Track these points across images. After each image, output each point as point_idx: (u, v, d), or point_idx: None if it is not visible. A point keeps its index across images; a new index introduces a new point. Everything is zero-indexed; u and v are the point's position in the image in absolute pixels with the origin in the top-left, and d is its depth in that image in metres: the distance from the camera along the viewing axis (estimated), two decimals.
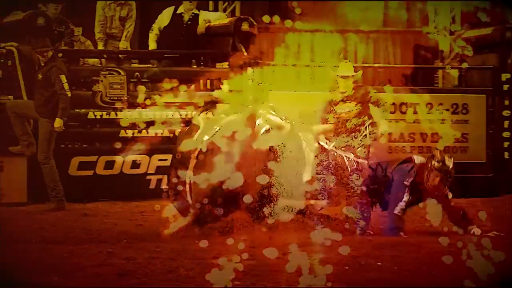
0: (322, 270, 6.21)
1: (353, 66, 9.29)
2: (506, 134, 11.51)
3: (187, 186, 8.04)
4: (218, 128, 8.24)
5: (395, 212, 8.09)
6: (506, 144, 11.51)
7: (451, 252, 6.70)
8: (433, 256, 6.85)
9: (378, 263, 6.68)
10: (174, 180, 8.15)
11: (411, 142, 11.27)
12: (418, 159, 8.24)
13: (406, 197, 8.09)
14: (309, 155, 8.02)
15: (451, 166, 8.06)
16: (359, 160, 8.44)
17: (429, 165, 8.06)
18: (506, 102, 11.55)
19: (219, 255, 6.49)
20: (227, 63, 11.15)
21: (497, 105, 11.56)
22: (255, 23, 11.11)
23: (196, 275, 6.30)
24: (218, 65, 11.38)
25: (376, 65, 11.74)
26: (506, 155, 11.45)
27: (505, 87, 11.56)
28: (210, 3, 12.37)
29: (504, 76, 11.58)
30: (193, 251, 7.04)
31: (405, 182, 8.11)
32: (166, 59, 11.27)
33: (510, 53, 11.65)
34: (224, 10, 12.31)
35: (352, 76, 9.13)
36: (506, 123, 11.54)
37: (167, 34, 11.42)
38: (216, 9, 12.33)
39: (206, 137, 8.17)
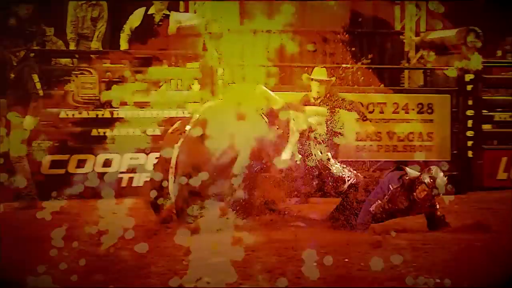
0: (291, 267, 6.25)
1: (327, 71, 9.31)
2: (469, 133, 11.62)
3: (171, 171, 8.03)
4: (198, 115, 8.27)
5: (370, 209, 8.12)
6: (469, 143, 11.62)
7: (415, 249, 6.77)
8: (398, 253, 6.90)
9: (346, 260, 6.72)
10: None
11: (377, 141, 11.34)
12: (411, 171, 8.26)
13: (386, 199, 8.12)
14: (293, 135, 7.95)
15: (441, 185, 8.11)
16: (356, 173, 8.45)
17: (421, 178, 8.11)
18: (470, 102, 11.66)
19: (189, 252, 6.50)
20: (198, 63, 11.17)
21: (461, 105, 11.66)
22: (225, 24, 11.11)
23: (166, 272, 6.30)
24: (188, 65, 11.38)
25: (344, 65, 11.78)
26: (470, 153, 11.56)
27: (469, 87, 11.67)
28: (181, 4, 12.35)
29: (468, 77, 11.68)
30: (164, 248, 7.04)
31: (390, 186, 8.15)
32: (137, 59, 11.26)
33: (474, 54, 11.76)
34: (195, 11, 12.29)
35: (326, 81, 9.13)
36: (469, 123, 11.65)
37: (139, 34, 11.41)
38: (186, 10, 12.31)
39: (188, 127, 8.19)
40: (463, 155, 11.48)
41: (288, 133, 7.93)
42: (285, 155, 7.83)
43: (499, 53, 12.96)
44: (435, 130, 11.53)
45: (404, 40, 12.67)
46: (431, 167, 8.24)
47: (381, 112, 11.35)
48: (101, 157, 10.64)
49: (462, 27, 11.87)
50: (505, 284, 6.21)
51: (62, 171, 10.53)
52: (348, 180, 8.31)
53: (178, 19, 11.54)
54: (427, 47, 12.47)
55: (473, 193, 10.95)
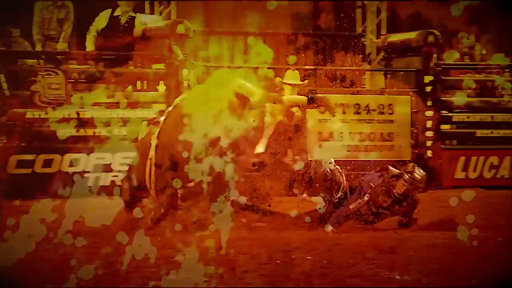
0: (255, 264, 6.28)
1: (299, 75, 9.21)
2: (429, 134, 11.75)
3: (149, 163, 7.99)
4: (171, 108, 8.25)
5: (350, 206, 8.18)
6: (429, 143, 11.75)
7: (376, 246, 6.83)
8: (360, 250, 6.96)
9: (309, 257, 6.76)
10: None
11: (339, 141, 11.40)
12: (392, 169, 8.35)
13: (366, 197, 8.19)
14: (268, 128, 7.87)
15: (419, 179, 8.20)
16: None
17: (400, 174, 8.20)
18: (429, 103, 11.78)
19: (157, 250, 6.49)
20: (163, 64, 11.15)
21: (421, 106, 11.79)
22: (190, 26, 11.12)
23: (133, 269, 6.29)
24: (154, 66, 11.37)
25: (306, 67, 11.82)
26: (429, 153, 11.68)
27: (428, 88, 11.80)
28: (147, 6, 12.32)
29: (427, 78, 11.81)
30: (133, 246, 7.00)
31: (371, 184, 8.22)
32: (103, 60, 11.23)
33: (433, 56, 11.89)
34: (160, 13, 12.27)
35: (299, 84, 9.01)
36: (429, 123, 11.77)
37: (105, 35, 11.38)
38: (152, 12, 12.29)
39: (162, 118, 8.17)
40: (422, 155, 11.59)
41: (264, 126, 7.82)
42: (259, 148, 7.72)
43: (457, 55, 13.11)
44: (396, 130, 11.62)
45: (365, 43, 12.76)
46: (409, 164, 8.37)
47: (344, 113, 11.42)
48: (68, 157, 10.59)
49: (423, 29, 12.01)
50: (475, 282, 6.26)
51: (28, 170, 10.47)
52: (345, 183, 8.36)
53: (144, 21, 11.52)
54: (388, 49, 12.57)
55: (432, 192, 11.04)
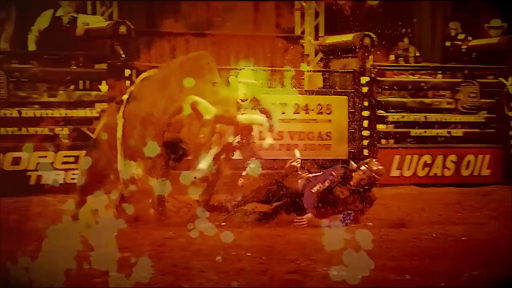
0: (195, 261, 6.27)
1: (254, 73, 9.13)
2: (365, 133, 11.88)
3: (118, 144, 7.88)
4: (133, 87, 8.17)
5: (312, 190, 8.22)
6: (365, 142, 11.88)
7: (315, 242, 6.87)
8: (299, 246, 7.00)
9: (248, 254, 6.77)
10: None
11: (279, 140, 11.44)
12: (353, 164, 8.44)
13: (327, 183, 8.25)
14: (214, 148, 7.65)
15: (375, 170, 8.29)
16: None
17: (358, 167, 8.30)
18: (366, 103, 11.92)
19: (93, 248, 6.43)
20: (105, 64, 11.08)
21: (358, 106, 11.91)
22: (132, 27, 11.08)
23: (74, 268, 6.21)
24: (96, 66, 11.29)
25: (248, 67, 11.83)
26: (366, 152, 11.81)
27: (365, 89, 11.94)
28: (89, 6, 12.20)
29: (364, 80, 11.95)
30: (75, 244, 6.93)
31: (333, 173, 8.30)
32: (45, 60, 11.11)
33: (369, 58, 12.02)
34: (102, 14, 12.17)
35: (254, 83, 8.89)
36: (365, 123, 11.91)
37: (47, 35, 11.26)
38: (94, 13, 12.18)
39: (125, 96, 8.09)
40: (359, 154, 11.71)
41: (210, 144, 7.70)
42: (202, 165, 7.59)
43: (392, 57, 13.29)
44: (333, 130, 11.73)
45: (304, 44, 12.82)
46: (367, 159, 8.58)
47: (283, 113, 11.46)
48: (10, 156, 10.45)
49: (359, 32, 12.12)
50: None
51: None
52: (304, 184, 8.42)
53: (86, 21, 11.45)
54: (326, 51, 12.65)
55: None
